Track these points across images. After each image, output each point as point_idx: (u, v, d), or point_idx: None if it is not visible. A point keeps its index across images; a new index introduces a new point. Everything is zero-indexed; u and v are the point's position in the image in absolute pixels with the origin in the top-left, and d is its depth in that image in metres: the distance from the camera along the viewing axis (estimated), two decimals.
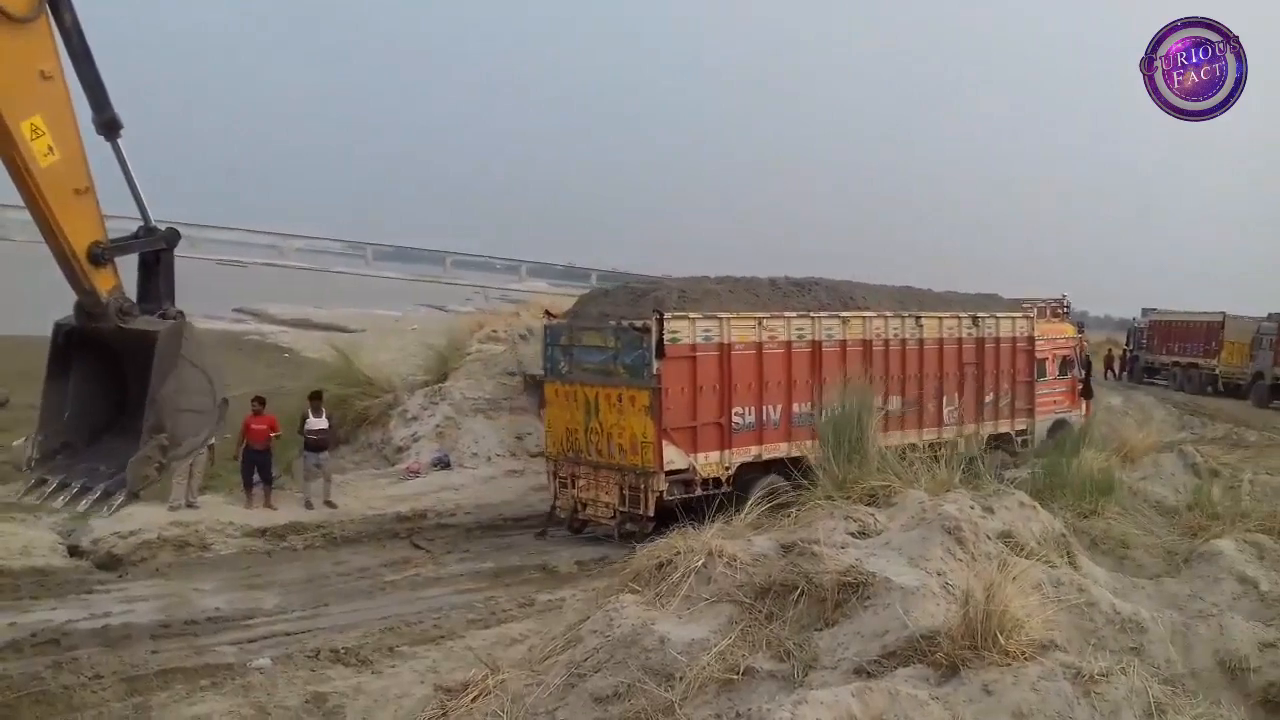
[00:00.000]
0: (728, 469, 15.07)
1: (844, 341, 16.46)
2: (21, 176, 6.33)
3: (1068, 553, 7.72)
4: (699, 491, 14.44)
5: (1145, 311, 47.66)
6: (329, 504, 16.51)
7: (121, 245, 7.04)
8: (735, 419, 15.18)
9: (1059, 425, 19.75)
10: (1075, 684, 5.10)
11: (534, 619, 11.56)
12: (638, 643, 6.13)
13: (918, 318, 17.66)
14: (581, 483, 15.82)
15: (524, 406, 21.84)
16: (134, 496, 7.17)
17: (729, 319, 15.22)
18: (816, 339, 16.13)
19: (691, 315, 14.90)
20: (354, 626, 11.65)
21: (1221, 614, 7.05)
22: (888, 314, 17.24)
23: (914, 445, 16.52)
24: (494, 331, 25.05)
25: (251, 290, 67.28)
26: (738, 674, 5.77)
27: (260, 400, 16.67)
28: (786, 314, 15.98)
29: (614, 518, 15.08)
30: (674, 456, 14.64)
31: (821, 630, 6.15)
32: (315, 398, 17.03)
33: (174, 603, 12.50)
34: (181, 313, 7.33)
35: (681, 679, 5.73)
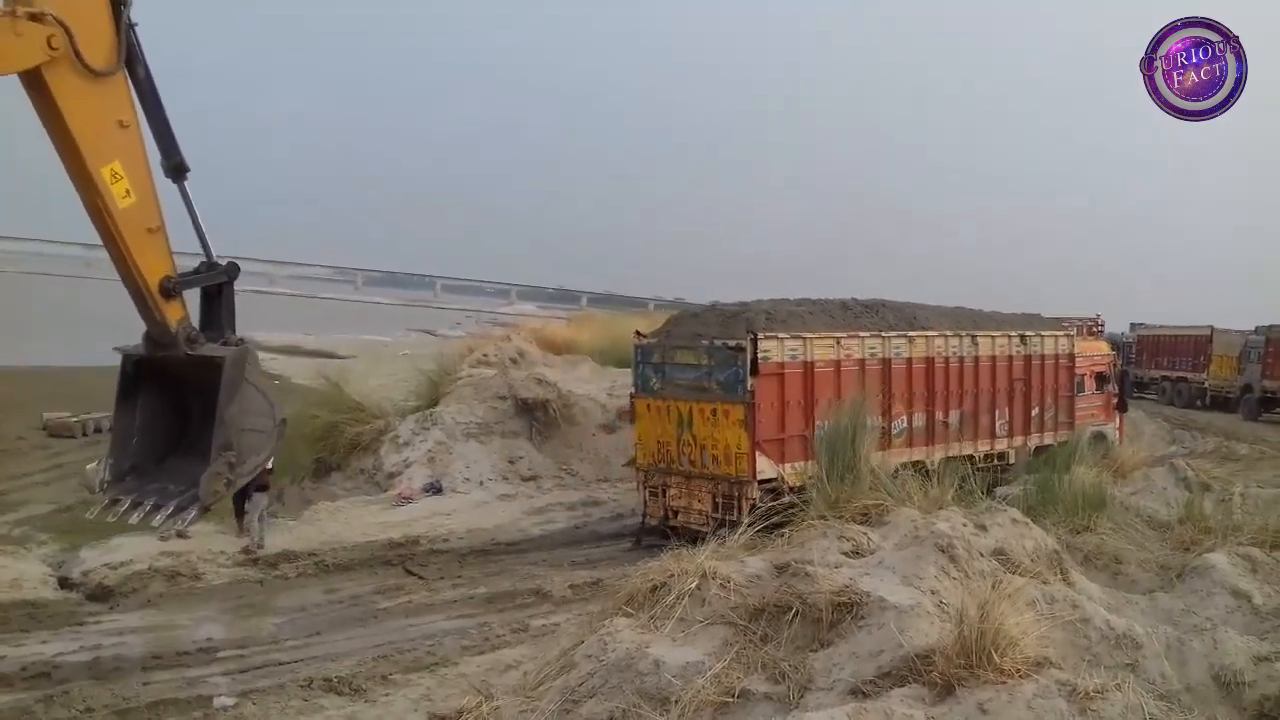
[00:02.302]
0: (811, 478, 15.40)
1: (910, 359, 17.55)
2: (102, 218, 6.84)
3: (1061, 569, 7.73)
4: (786, 499, 14.69)
5: (1133, 326, 47.87)
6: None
7: (189, 279, 7.58)
8: (819, 431, 15.53)
9: (1097, 438, 20.70)
10: (1071, 701, 5.11)
11: (528, 644, 11.50)
12: (632, 667, 6.12)
13: (974, 337, 18.75)
14: (673, 491, 16.70)
15: (516, 430, 21.81)
16: (205, 510, 7.69)
17: (812, 339, 16.29)
18: (887, 357, 17.20)
19: (780, 335, 15.96)
20: (347, 655, 11.58)
21: (1215, 628, 7.06)
22: (948, 333, 18.32)
23: (970, 457, 17.39)
24: (485, 355, 24.99)
25: (241, 318, 67.01)
26: (733, 697, 5.76)
27: None
28: (861, 334, 17.03)
29: (707, 523, 15.44)
30: (765, 466, 15.53)
31: (816, 651, 6.15)
32: None
33: (165, 634, 12.41)
34: (243, 339, 7.88)
35: (677, 703, 5.72)
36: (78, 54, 6.48)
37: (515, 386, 22.45)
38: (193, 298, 7.83)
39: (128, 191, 6.87)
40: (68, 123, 6.57)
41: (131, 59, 6.93)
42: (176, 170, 7.49)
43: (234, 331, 7.86)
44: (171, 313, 7.35)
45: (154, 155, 7.42)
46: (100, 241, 7.13)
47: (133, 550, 14.53)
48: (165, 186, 7.56)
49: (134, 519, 7.52)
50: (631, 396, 18.21)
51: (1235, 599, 7.76)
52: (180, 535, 15.25)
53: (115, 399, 7.73)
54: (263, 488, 15.74)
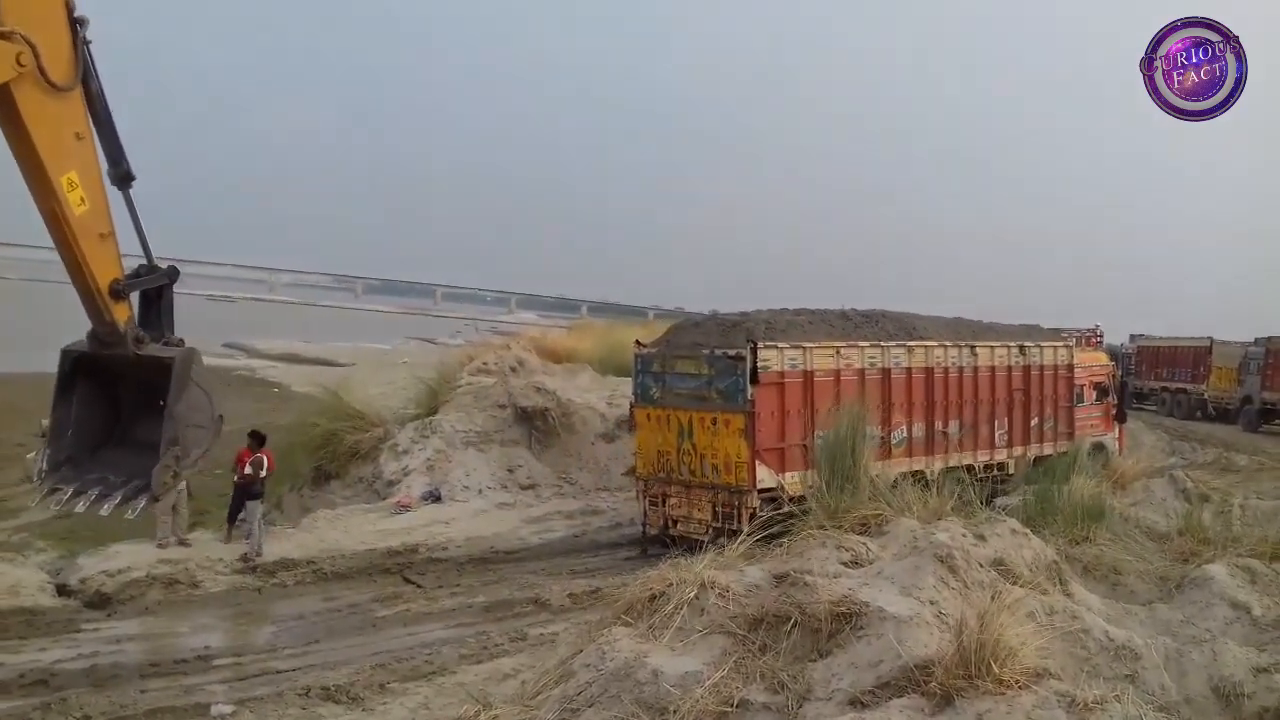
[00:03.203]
0: (810, 487, 15.43)
1: (909, 369, 17.69)
2: (58, 223, 7.18)
3: (1060, 580, 7.72)
4: (786, 509, 14.71)
5: (1133, 337, 47.89)
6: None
7: (135, 281, 7.90)
8: (819, 440, 15.55)
9: (1097, 449, 20.77)
10: (1070, 712, 5.10)
11: (526, 653, 11.49)
12: (631, 676, 6.11)
13: (973, 347, 18.86)
14: (673, 500, 16.75)
15: (515, 439, 21.80)
16: (154, 500, 8.09)
17: (812, 348, 16.39)
18: (886, 366, 17.35)
19: (780, 345, 16.07)
20: (345, 663, 11.56)
21: (1214, 640, 7.05)
22: (947, 343, 18.42)
23: (970, 467, 17.41)
24: (484, 364, 24.97)
25: (240, 325, 67.15)
26: (732, 706, 5.75)
27: (253, 435, 16.30)
28: (860, 343, 17.15)
29: (707, 532, 15.44)
30: (765, 475, 15.61)
31: (815, 661, 6.13)
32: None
33: (163, 642, 12.40)
34: (183, 340, 8.18)
35: (675, 713, 5.70)
36: (42, 71, 6.81)
37: (515, 395, 22.44)
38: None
39: (82, 199, 7.21)
40: (31, 134, 6.87)
41: (86, 75, 7.30)
42: (123, 179, 7.80)
43: (172, 331, 8.20)
44: (119, 313, 7.66)
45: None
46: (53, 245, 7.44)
47: (131, 558, 14.52)
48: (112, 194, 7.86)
49: (79, 507, 7.87)
50: (631, 406, 18.28)
51: (1234, 610, 7.75)
52: (181, 543, 15.26)
53: (53, 394, 8.05)
54: (258, 496, 15.72)
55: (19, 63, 6.63)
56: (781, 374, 15.95)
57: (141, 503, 7.84)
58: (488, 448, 21.34)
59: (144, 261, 8.14)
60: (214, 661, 11.76)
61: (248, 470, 15.43)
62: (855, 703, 5.61)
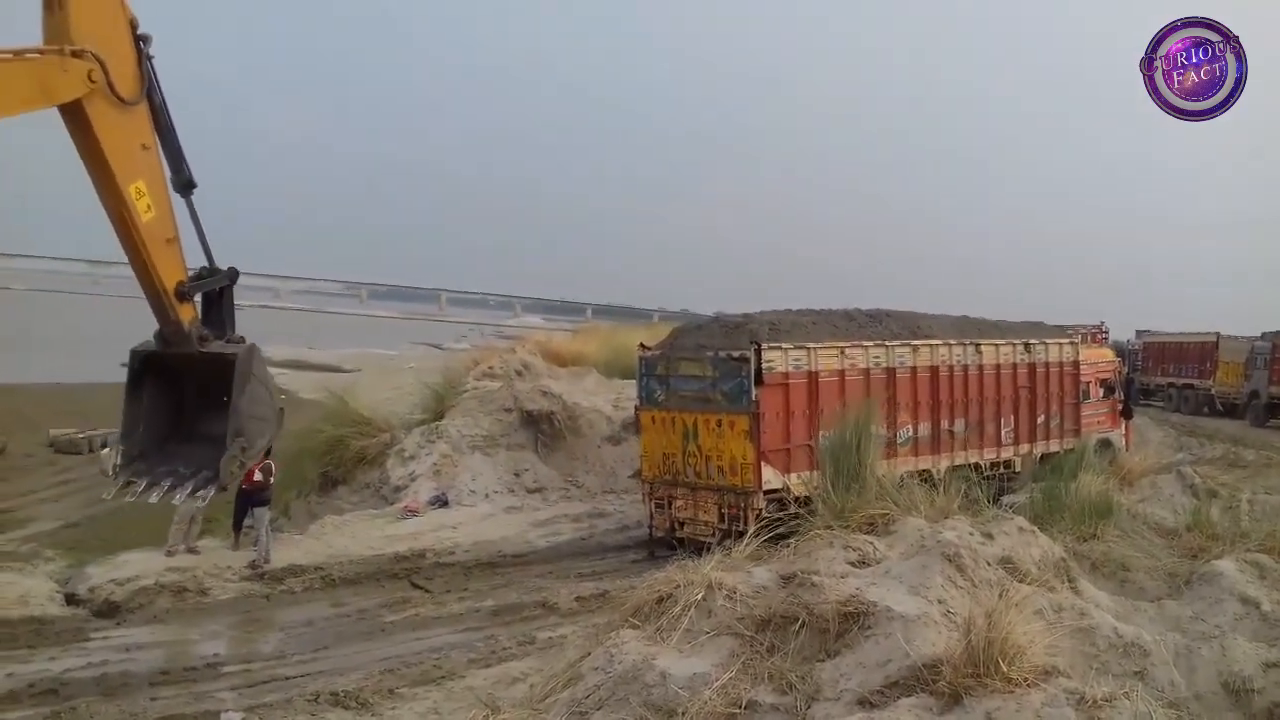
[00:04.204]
0: (816, 488, 15.41)
1: (914, 368, 17.70)
2: (127, 230, 7.58)
3: (1068, 577, 7.70)
4: (792, 509, 14.69)
5: (1140, 333, 47.81)
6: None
7: (199, 283, 8.33)
8: (824, 441, 15.53)
9: (1104, 445, 20.87)
10: (1079, 710, 5.08)
11: (535, 657, 11.49)
12: (639, 679, 6.11)
13: (978, 345, 18.84)
14: (679, 503, 16.76)
15: (521, 443, 21.80)
16: (223, 489, 8.53)
17: (816, 348, 16.38)
18: (891, 366, 17.35)
19: (784, 346, 16.06)
20: (354, 669, 11.58)
21: (1224, 635, 7.03)
22: (951, 342, 18.41)
23: (976, 465, 17.46)
24: (490, 368, 24.97)
25: (247, 332, 67.00)
26: (740, 708, 5.75)
27: None
28: (865, 343, 17.16)
29: (713, 534, 15.41)
30: (770, 477, 15.67)
31: (823, 661, 6.12)
32: None
33: (172, 649, 12.42)
34: (243, 338, 8.58)
35: (684, 714, 5.70)
36: (110, 86, 7.20)
37: (521, 399, 22.44)
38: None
39: (149, 206, 7.61)
40: (101, 146, 7.25)
41: (150, 88, 7.71)
42: (185, 186, 8.12)
43: (233, 330, 8.56)
44: (185, 314, 8.07)
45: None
46: (123, 256, 7.81)
47: (139, 566, 14.55)
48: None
49: (153, 498, 8.26)
50: (636, 408, 18.26)
51: (1244, 606, 7.72)
52: (190, 551, 15.29)
53: (125, 391, 8.46)
54: (265, 502, 15.75)
55: (90, 79, 7.04)
56: (786, 375, 15.95)
57: (211, 491, 8.26)
58: (494, 452, 21.36)
59: (204, 264, 8.50)
60: (223, 669, 11.78)
61: (257, 477, 15.42)
62: (864, 703, 5.60)
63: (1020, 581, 6.90)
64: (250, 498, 15.74)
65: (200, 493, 8.21)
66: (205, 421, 8.44)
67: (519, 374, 24.15)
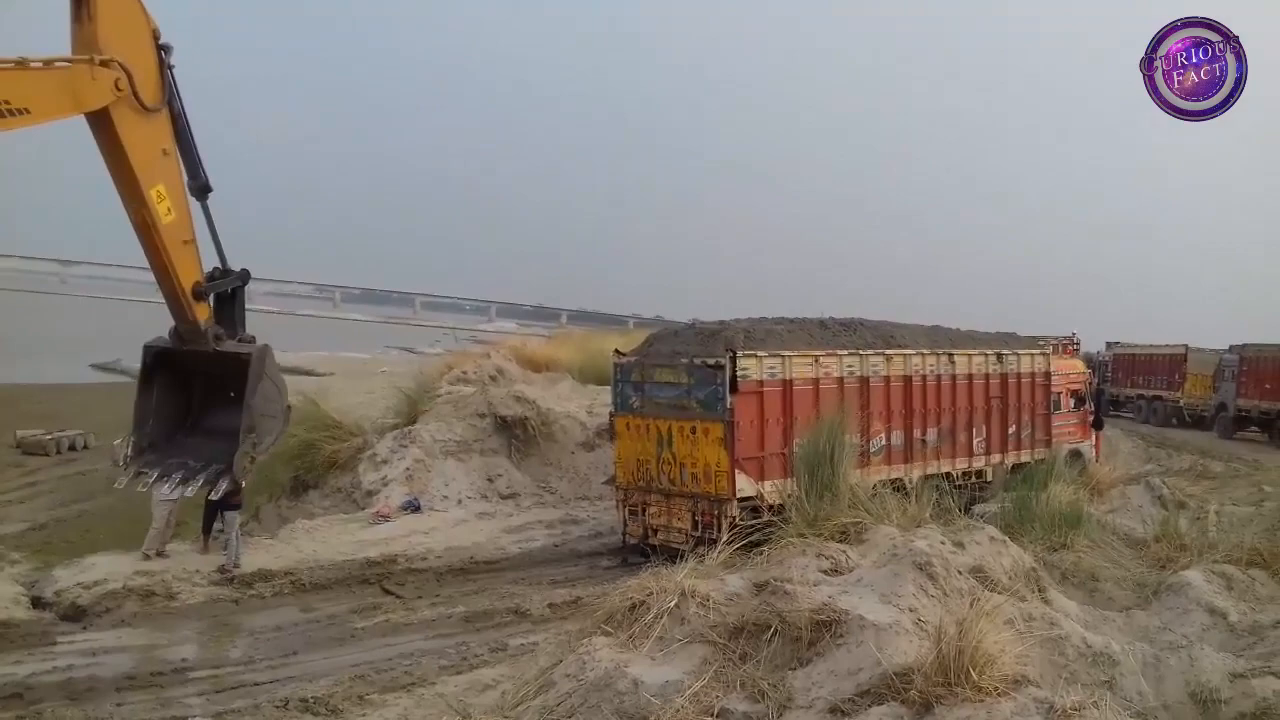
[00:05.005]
0: (790, 496, 15.43)
1: (888, 377, 17.76)
2: (148, 232, 7.92)
3: (1038, 587, 7.77)
4: (765, 517, 14.69)
5: (1109, 345, 48.21)
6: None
7: (214, 284, 8.68)
8: (797, 449, 15.56)
9: (1074, 456, 21.06)
10: (1049, 718, 5.11)
11: (506, 664, 11.43)
12: (611, 686, 6.10)
13: (950, 355, 18.94)
14: (653, 510, 16.76)
15: (495, 448, 21.71)
16: (236, 483, 9.25)
17: (791, 357, 16.43)
18: (865, 375, 17.39)
19: (759, 353, 16.08)
20: (323, 675, 11.48)
21: (1192, 645, 7.10)
22: (925, 352, 18.50)
23: (948, 474, 17.59)
24: (464, 373, 24.90)
25: None
26: (712, 716, 5.76)
27: None
28: (839, 352, 17.21)
29: (687, 541, 15.50)
30: (744, 484, 15.63)
31: (795, 669, 6.14)
32: None
33: (140, 654, 12.28)
34: (254, 337, 8.97)
35: None
36: (135, 94, 7.57)
37: (494, 404, 22.35)
38: None
39: (169, 209, 7.97)
40: (126, 151, 7.60)
41: (170, 96, 8.10)
42: (201, 190, 8.47)
43: (244, 329, 8.95)
44: (201, 313, 8.44)
45: None
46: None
47: (106, 569, 14.39)
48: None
49: (165, 490, 8.89)
50: (611, 415, 18.24)
51: (1211, 616, 7.81)
52: (158, 555, 15.15)
53: (137, 385, 8.88)
54: (236, 506, 15.62)
55: (117, 88, 7.42)
56: (760, 383, 15.96)
57: (224, 484, 8.73)
58: (467, 457, 21.26)
59: (217, 265, 8.80)
60: (191, 674, 11.66)
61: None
62: (835, 710, 5.62)
63: (991, 591, 6.94)
64: (220, 501, 15.58)
65: (214, 486, 8.66)
66: (213, 417, 8.84)
67: (493, 379, 24.08)
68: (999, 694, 5.28)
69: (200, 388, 9.04)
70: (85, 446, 27.52)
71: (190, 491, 8.74)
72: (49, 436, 26.87)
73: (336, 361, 52.93)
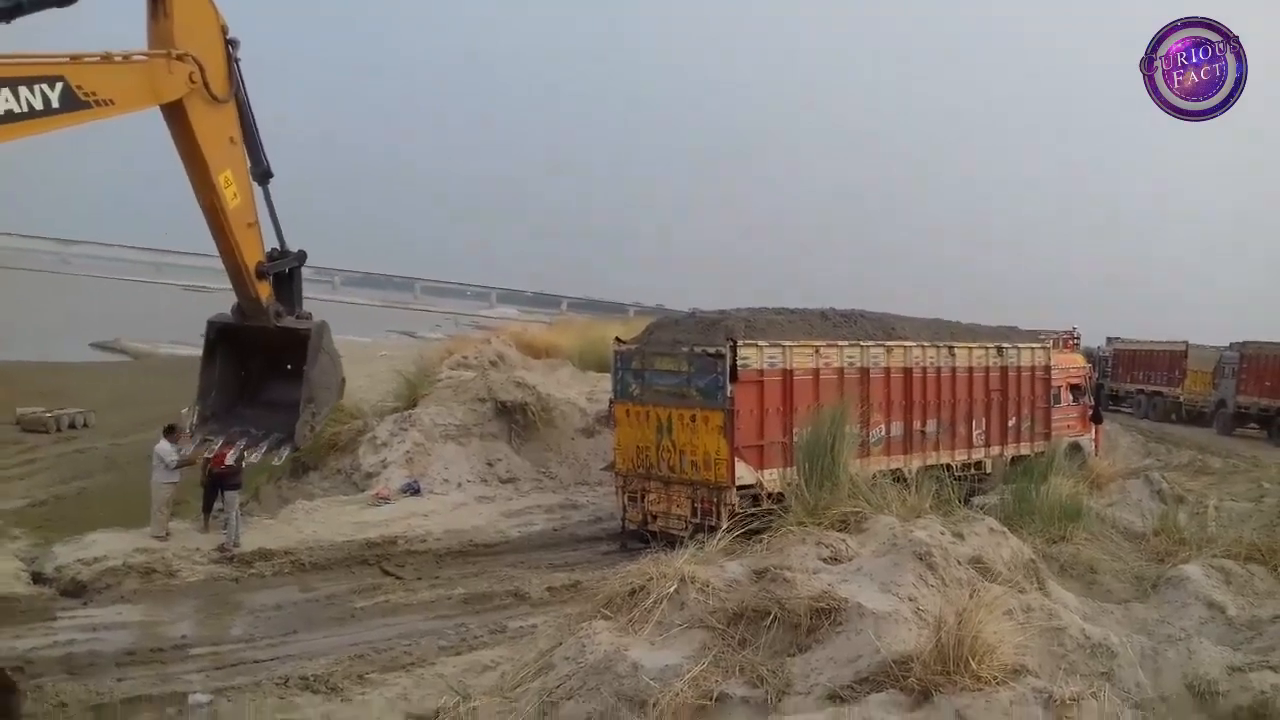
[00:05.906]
0: (790, 484, 15.46)
1: (888, 369, 17.80)
2: (216, 215, 8.39)
3: (1037, 578, 7.78)
4: (765, 505, 14.73)
5: (1110, 340, 48.22)
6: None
7: (275, 264, 9.11)
8: (796, 438, 15.58)
9: (1074, 449, 20.99)
10: (1047, 709, 5.15)
11: (506, 645, 11.48)
12: (610, 669, 6.13)
13: (951, 348, 18.96)
14: (652, 496, 16.82)
15: (495, 433, 21.75)
16: (297, 450, 9.60)
17: (791, 347, 16.46)
18: (865, 366, 17.43)
19: (760, 343, 16.15)
20: (323, 654, 11.54)
21: (1190, 638, 7.12)
22: (925, 344, 18.52)
23: (948, 466, 17.49)
24: (464, 358, 24.90)
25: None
26: (711, 700, 5.78)
27: None
28: (839, 342, 17.24)
29: (686, 528, 15.49)
30: (744, 472, 15.69)
31: (794, 656, 6.17)
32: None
33: (140, 630, 12.34)
34: (311, 314, 9.41)
35: (655, 706, 5.72)
36: (206, 86, 8.03)
37: (495, 389, 22.38)
38: None
39: (235, 194, 8.43)
40: (198, 139, 8.06)
41: (236, 87, 8.51)
42: (263, 176, 8.86)
43: (301, 306, 9.37)
44: (263, 291, 8.89)
45: None
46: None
47: (107, 546, 14.45)
48: None
49: (231, 458, 9.76)
50: (611, 402, 18.28)
51: (1209, 610, 7.83)
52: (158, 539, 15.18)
53: (201, 358, 9.45)
54: (236, 486, 15.64)
55: (191, 80, 7.89)
56: (761, 372, 16.01)
57: (286, 451, 9.24)
58: (467, 441, 21.30)
59: (276, 246, 9.18)
60: (191, 650, 11.73)
61: (229, 461, 15.29)
62: (834, 697, 5.64)
63: (990, 581, 6.96)
64: (221, 481, 15.63)
65: (276, 452, 9.13)
66: (271, 389, 9.43)
67: (493, 364, 24.09)
68: (998, 683, 5.30)
69: (259, 362, 9.54)
70: (85, 424, 27.49)
71: (256, 458, 9.16)
72: (49, 414, 26.85)
73: (337, 345, 52.82)
